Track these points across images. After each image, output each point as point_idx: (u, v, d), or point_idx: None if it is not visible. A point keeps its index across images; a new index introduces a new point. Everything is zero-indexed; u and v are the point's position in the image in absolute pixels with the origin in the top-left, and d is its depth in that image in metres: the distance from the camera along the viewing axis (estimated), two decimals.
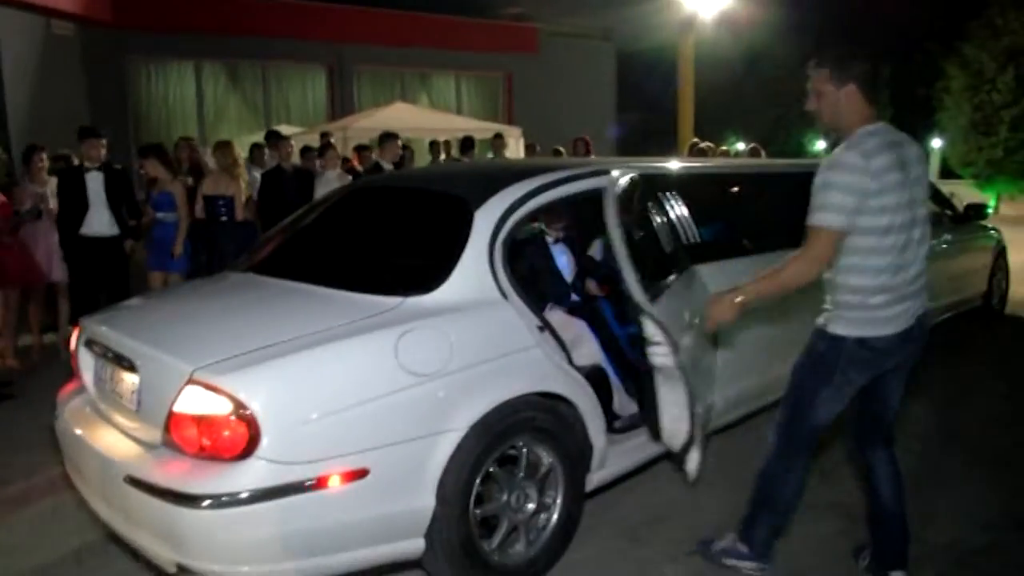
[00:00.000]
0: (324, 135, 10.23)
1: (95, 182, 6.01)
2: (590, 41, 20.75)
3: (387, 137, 8.29)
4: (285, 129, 13.62)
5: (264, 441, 2.35)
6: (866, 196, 2.51)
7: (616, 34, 21.09)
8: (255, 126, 16.26)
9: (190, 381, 2.42)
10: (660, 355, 2.97)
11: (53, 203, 6.40)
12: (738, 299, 2.68)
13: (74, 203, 5.96)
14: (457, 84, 18.88)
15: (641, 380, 3.21)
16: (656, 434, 3.19)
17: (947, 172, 23.14)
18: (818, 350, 2.77)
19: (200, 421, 2.41)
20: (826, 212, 2.54)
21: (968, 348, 6.54)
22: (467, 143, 9.83)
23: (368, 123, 12.66)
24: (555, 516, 3.06)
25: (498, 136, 9.55)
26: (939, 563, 3.16)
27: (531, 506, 3.01)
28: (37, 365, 6.33)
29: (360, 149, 9.11)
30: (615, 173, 3.37)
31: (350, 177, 7.73)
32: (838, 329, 2.70)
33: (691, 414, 3.03)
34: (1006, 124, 20.82)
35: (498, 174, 3.51)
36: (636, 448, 3.45)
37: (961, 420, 4.84)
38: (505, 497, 2.93)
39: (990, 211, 19.69)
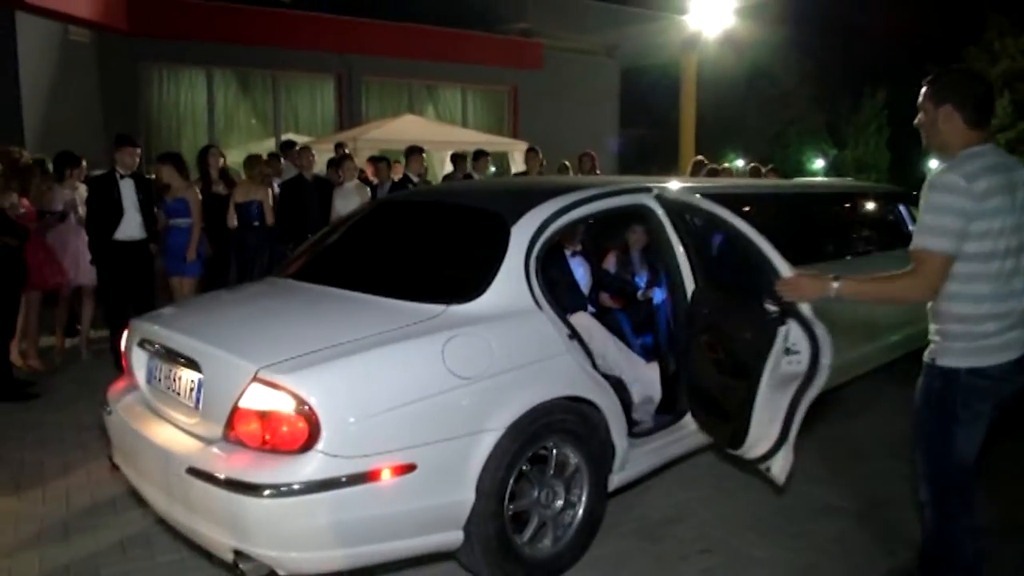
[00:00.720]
0: (339, 146, 10.42)
1: (128, 188, 6.24)
2: (594, 57, 21.00)
3: (413, 151, 8.66)
4: (294, 138, 13.86)
5: (323, 436, 2.55)
6: (968, 219, 2.41)
7: (620, 51, 21.34)
8: (264, 134, 16.46)
9: (255, 379, 2.61)
10: (795, 363, 3.14)
11: (82, 208, 6.61)
12: (835, 285, 2.61)
13: (108, 208, 6.16)
14: (463, 97, 19.10)
15: (724, 392, 3.43)
16: (736, 442, 3.37)
17: None
18: (934, 388, 2.61)
19: (264, 417, 2.60)
20: (933, 236, 2.44)
21: None
22: (479, 155, 10.10)
23: (378, 134, 12.85)
24: (580, 513, 3.26)
25: (481, 153, 9.86)
26: None
27: (559, 503, 3.22)
28: (59, 367, 6.52)
29: (375, 160, 9.29)
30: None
31: (367, 188, 7.94)
32: (948, 361, 2.57)
33: (785, 420, 3.22)
34: (1002, 147, 21.19)
35: (533, 191, 3.72)
36: (654, 451, 3.66)
37: None
38: (536, 494, 3.13)
39: None
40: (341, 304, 3.19)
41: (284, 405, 2.56)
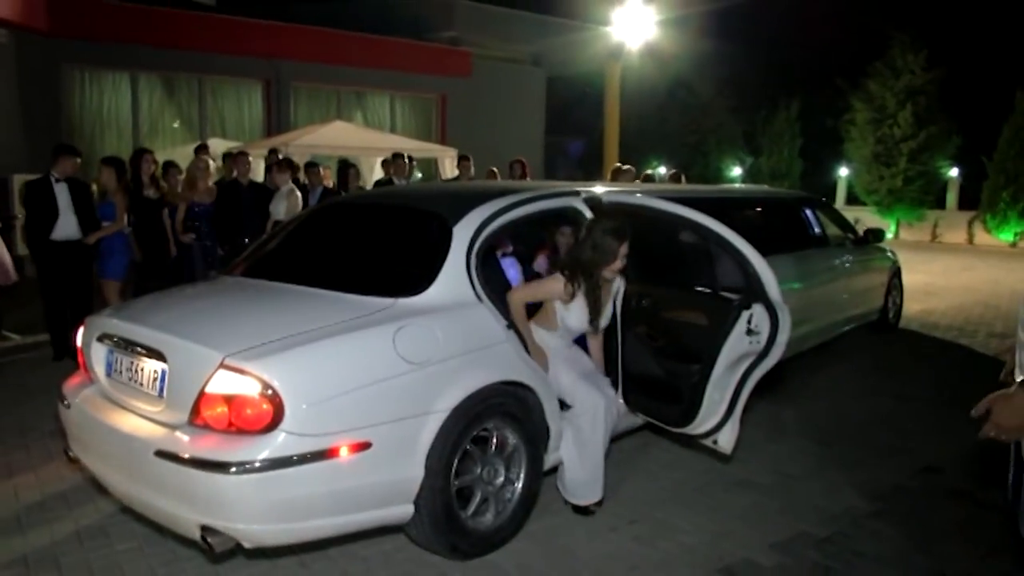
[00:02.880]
0: (272, 152, 10.53)
1: (63, 191, 6.44)
2: (521, 66, 21.48)
3: (397, 157, 9.56)
4: (220, 143, 13.80)
5: (286, 416, 2.78)
6: None
7: (546, 60, 21.86)
8: (190, 139, 16.30)
9: (221, 366, 2.82)
10: (755, 343, 3.57)
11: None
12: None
13: (44, 210, 6.30)
14: (392, 104, 19.27)
15: (672, 377, 3.86)
16: (685, 421, 3.75)
17: (852, 199, 24.65)
18: None
19: (230, 400, 2.82)
20: None
21: (865, 356, 7.34)
22: (397, 157, 10.39)
23: (308, 140, 12.95)
24: (519, 489, 3.56)
25: (399, 155, 10.29)
26: (840, 523, 3.82)
27: (500, 480, 3.50)
28: None
29: (308, 167, 9.41)
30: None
31: (298, 193, 8.10)
32: None
33: (733, 396, 3.64)
34: (905, 156, 22.47)
35: (472, 194, 4.00)
36: None
37: (857, 416, 5.55)
38: (479, 471, 3.41)
39: (889, 235, 21.09)
40: (297, 298, 3.41)
41: (250, 389, 2.78)
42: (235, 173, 8.25)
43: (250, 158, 8.26)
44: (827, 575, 3.36)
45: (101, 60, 14.81)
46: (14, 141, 13.06)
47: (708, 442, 3.84)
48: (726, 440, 3.75)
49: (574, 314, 3.77)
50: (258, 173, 12.40)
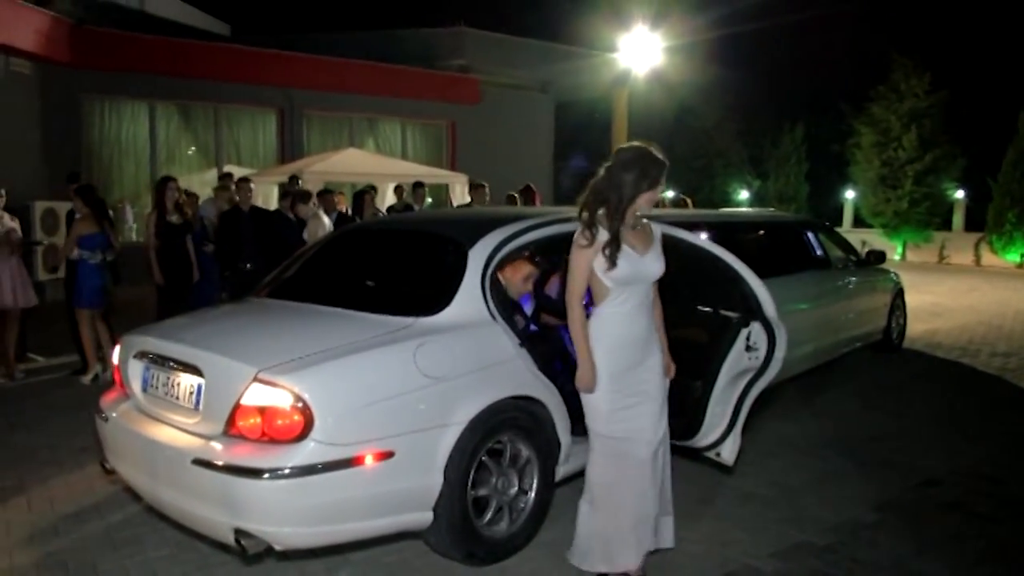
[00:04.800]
0: (293, 179, 10.89)
1: None
2: (529, 92, 21.80)
3: (419, 186, 10.46)
4: (235, 170, 14.12)
5: (316, 426, 2.98)
6: None
7: (554, 87, 22.20)
8: (206, 166, 16.68)
9: (255, 380, 3.04)
10: (754, 358, 3.74)
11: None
12: None
13: None
14: (403, 131, 19.62)
15: (676, 392, 3.84)
16: (689, 434, 3.92)
17: (859, 221, 24.88)
18: None
19: (263, 412, 3.03)
20: None
21: (867, 375, 7.51)
22: (418, 186, 11.08)
23: (323, 167, 13.24)
24: (531, 499, 3.74)
25: (419, 184, 11.07)
26: (839, 533, 3.99)
27: (513, 490, 3.69)
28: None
29: (322, 193, 9.69)
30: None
31: (324, 218, 8.41)
32: None
33: (735, 409, 3.80)
34: (910, 178, 22.72)
35: (486, 220, 4.23)
36: None
37: (858, 432, 5.72)
38: (494, 481, 3.60)
39: (896, 257, 21.22)
40: (323, 317, 3.64)
41: (282, 401, 3.00)
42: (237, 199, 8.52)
43: (252, 185, 8.52)
44: None
45: (120, 90, 15.20)
46: (36, 170, 13.42)
47: (711, 455, 4.04)
48: (728, 452, 3.94)
49: (618, 267, 3.19)
50: (271, 198, 12.73)
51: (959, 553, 3.81)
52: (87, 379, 7.00)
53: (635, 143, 3.36)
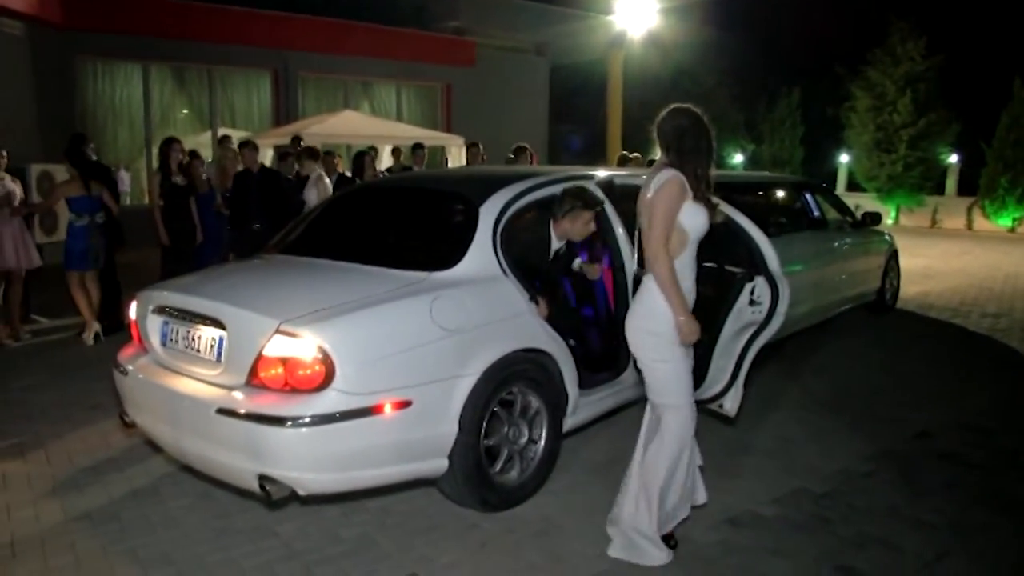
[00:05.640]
0: (295, 139, 10.86)
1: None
2: (525, 55, 21.70)
3: (418, 147, 10.32)
4: (230, 132, 14.06)
5: (337, 376, 3.09)
6: None
7: (549, 49, 22.09)
8: (200, 128, 16.60)
9: (278, 331, 3.13)
10: (757, 312, 3.80)
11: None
12: None
13: None
14: (398, 93, 19.52)
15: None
16: (694, 385, 3.98)
17: (853, 185, 24.93)
18: None
19: (286, 362, 3.13)
20: None
21: (862, 334, 7.65)
22: (418, 147, 10.98)
23: (320, 129, 13.21)
24: (541, 448, 3.88)
25: (419, 146, 10.95)
26: (835, 481, 4.14)
27: (524, 440, 3.82)
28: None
29: (324, 154, 9.71)
30: None
31: (327, 179, 8.47)
32: None
33: (737, 362, 3.87)
34: (904, 143, 22.74)
35: (495, 178, 4.30)
36: (599, 401, 4.31)
37: (854, 388, 5.87)
38: (505, 431, 3.73)
39: (889, 221, 21.34)
40: (341, 272, 3.73)
41: (304, 352, 3.09)
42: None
43: (258, 144, 8.60)
44: (824, 524, 3.68)
45: (113, 52, 15.06)
46: (30, 132, 13.34)
47: (714, 407, 4.15)
48: (731, 404, 4.05)
49: (698, 215, 3.25)
50: (267, 160, 12.71)
51: (951, 499, 3.97)
52: (88, 338, 7.07)
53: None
